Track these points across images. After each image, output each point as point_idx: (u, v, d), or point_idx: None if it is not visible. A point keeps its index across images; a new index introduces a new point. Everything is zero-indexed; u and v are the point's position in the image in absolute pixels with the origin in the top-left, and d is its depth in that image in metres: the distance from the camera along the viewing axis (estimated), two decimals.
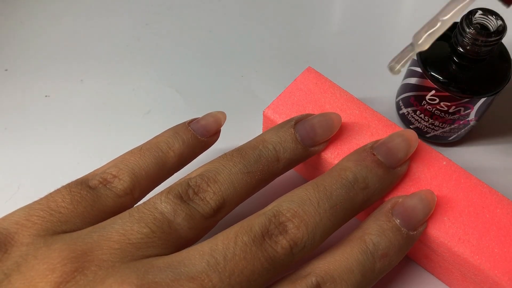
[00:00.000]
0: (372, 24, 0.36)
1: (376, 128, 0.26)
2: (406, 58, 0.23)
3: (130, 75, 0.34)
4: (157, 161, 0.23)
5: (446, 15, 0.21)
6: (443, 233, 0.23)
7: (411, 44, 0.22)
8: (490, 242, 0.22)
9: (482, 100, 0.26)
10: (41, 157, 0.30)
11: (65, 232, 0.19)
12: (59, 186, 0.21)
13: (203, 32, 0.36)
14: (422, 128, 0.29)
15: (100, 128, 0.31)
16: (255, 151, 0.23)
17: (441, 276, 0.26)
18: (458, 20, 0.25)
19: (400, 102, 0.30)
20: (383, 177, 0.23)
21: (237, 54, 0.35)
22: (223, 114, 0.26)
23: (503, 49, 0.27)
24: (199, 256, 0.19)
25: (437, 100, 0.27)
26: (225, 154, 0.23)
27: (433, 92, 0.27)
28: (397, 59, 0.23)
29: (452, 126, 0.28)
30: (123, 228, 0.19)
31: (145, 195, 0.23)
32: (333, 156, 0.25)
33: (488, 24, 0.24)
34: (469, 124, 0.28)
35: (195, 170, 0.23)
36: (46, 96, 0.32)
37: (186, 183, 0.21)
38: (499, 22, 0.24)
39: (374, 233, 0.21)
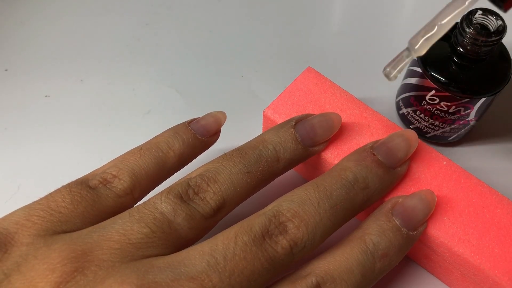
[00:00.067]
0: (372, 24, 0.36)
1: (376, 128, 0.26)
2: (403, 64, 0.22)
3: (130, 75, 0.34)
4: (157, 161, 0.23)
5: (443, 19, 0.21)
6: (443, 233, 0.23)
7: (407, 49, 0.22)
8: (490, 242, 0.22)
9: (482, 100, 0.26)
10: (41, 157, 0.30)
11: (65, 232, 0.19)
12: (59, 186, 0.21)
13: (203, 32, 0.36)
14: (422, 128, 0.29)
15: (100, 128, 0.31)
16: (255, 151, 0.23)
17: (441, 276, 0.26)
18: (458, 20, 0.25)
19: (400, 102, 0.30)
20: (383, 177, 0.23)
21: (237, 54, 0.35)
22: (223, 114, 0.26)
23: (503, 49, 0.27)
24: (199, 256, 0.19)
25: (437, 100, 0.27)
26: (225, 154, 0.23)
27: (433, 92, 0.27)
28: (393, 64, 0.22)
29: (452, 126, 0.28)
30: (123, 228, 0.19)
31: (145, 195, 0.23)
32: (333, 156, 0.25)
33: (488, 24, 0.24)
34: (469, 124, 0.28)
35: (195, 170, 0.23)
36: (46, 96, 0.32)
37: (186, 183, 0.21)
38: (499, 22, 0.24)
39: (374, 233, 0.21)
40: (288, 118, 0.26)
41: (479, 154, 0.31)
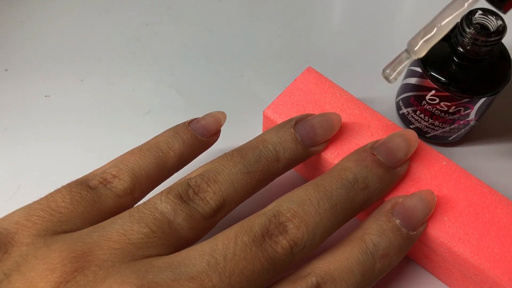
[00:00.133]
0: (372, 24, 0.36)
1: (376, 128, 0.26)
2: (402, 66, 0.22)
3: (130, 75, 0.34)
4: (157, 161, 0.23)
5: (442, 21, 0.21)
6: (443, 233, 0.23)
7: (406, 51, 0.22)
8: (490, 242, 0.22)
9: (482, 100, 0.26)
10: (41, 157, 0.30)
11: (65, 232, 0.19)
12: (59, 186, 0.21)
13: (203, 32, 0.36)
14: (422, 128, 0.29)
15: (100, 128, 0.31)
16: (255, 151, 0.23)
17: (441, 276, 0.26)
18: (457, 21, 0.25)
19: (400, 102, 0.30)
20: (383, 177, 0.23)
21: (237, 54, 0.35)
22: (223, 114, 0.26)
23: (503, 49, 0.27)
24: (199, 256, 0.19)
25: (437, 100, 0.27)
26: (225, 154, 0.23)
27: (433, 92, 0.27)
28: (392, 66, 0.22)
29: (452, 126, 0.28)
30: (123, 228, 0.19)
31: (145, 195, 0.23)
32: (333, 156, 0.25)
33: (488, 24, 0.24)
34: (469, 124, 0.28)
35: (195, 170, 0.23)
36: (46, 96, 0.32)
37: (186, 183, 0.21)
38: (499, 22, 0.24)
39: (374, 233, 0.21)
40: (288, 118, 0.26)
41: (479, 154, 0.31)
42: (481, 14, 0.24)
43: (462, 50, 0.25)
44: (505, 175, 0.29)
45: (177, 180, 0.22)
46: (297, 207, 0.21)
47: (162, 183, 0.24)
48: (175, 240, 0.20)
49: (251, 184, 0.22)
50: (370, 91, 0.33)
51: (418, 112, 0.29)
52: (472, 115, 0.27)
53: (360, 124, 0.26)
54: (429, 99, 0.27)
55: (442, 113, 0.27)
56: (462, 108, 0.27)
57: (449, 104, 0.27)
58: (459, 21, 0.25)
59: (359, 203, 0.22)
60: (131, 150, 0.23)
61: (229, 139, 0.28)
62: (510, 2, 0.19)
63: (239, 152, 0.23)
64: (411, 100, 0.29)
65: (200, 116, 0.25)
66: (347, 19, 0.37)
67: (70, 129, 0.31)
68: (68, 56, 0.34)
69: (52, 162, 0.30)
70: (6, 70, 0.33)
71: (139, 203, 0.22)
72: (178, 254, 0.19)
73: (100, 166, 0.23)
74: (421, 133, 0.30)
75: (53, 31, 0.35)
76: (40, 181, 0.29)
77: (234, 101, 0.33)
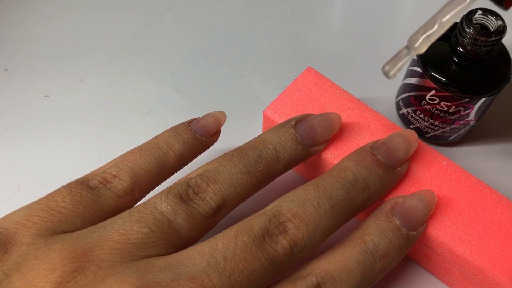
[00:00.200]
0: (372, 24, 0.36)
1: (376, 128, 0.26)
2: (402, 62, 0.22)
3: (130, 75, 0.34)
4: (157, 161, 0.23)
5: (444, 17, 0.20)
6: (443, 233, 0.23)
7: (407, 47, 0.22)
8: (490, 242, 0.22)
9: (482, 100, 0.26)
10: (41, 157, 0.30)
11: (65, 232, 0.19)
12: (59, 186, 0.21)
13: (203, 32, 0.36)
14: (422, 128, 0.29)
15: (100, 128, 0.31)
16: (255, 151, 0.23)
17: (441, 276, 0.26)
18: (458, 20, 0.25)
19: (400, 102, 0.30)
20: (383, 177, 0.23)
21: (237, 54, 0.35)
22: (223, 114, 0.26)
23: (503, 49, 0.27)
24: (199, 256, 0.19)
25: (437, 100, 0.27)
26: (225, 154, 0.23)
27: (433, 92, 0.27)
28: (392, 62, 0.22)
29: (452, 126, 0.28)
30: (123, 228, 0.19)
31: (145, 195, 0.23)
32: (333, 156, 0.25)
33: (488, 24, 0.24)
34: (469, 124, 0.28)
35: (195, 170, 0.23)
36: (46, 96, 0.32)
37: (186, 183, 0.21)
38: (499, 22, 0.24)
39: (374, 233, 0.21)
40: (288, 118, 0.26)
41: (479, 154, 0.31)
42: (481, 14, 0.24)
43: (462, 50, 0.25)
44: (505, 175, 0.30)
45: (177, 180, 0.22)
46: (297, 207, 0.21)
47: (162, 183, 0.24)
48: (175, 240, 0.20)
49: (251, 184, 0.22)
50: (370, 91, 0.33)
51: (418, 112, 0.29)
52: (472, 115, 0.27)
53: (360, 124, 0.26)
54: (429, 99, 0.27)
55: (442, 113, 0.27)
56: (462, 108, 0.27)
57: (449, 104, 0.27)
58: (459, 21, 0.25)
59: (359, 203, 0.22)
60: (131, 150, 0.23)
61: (229, 139, 0.28)
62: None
63: (239, 152, 0.23)
64: (411, 100, 0.29)
65: (200, 116, 0.25)
66: (347, 19, 0.37)
67: (70, 129, 0.31)
68: (68, 56, 0.34)
69: (52, 162, 0.30)
70: (6, 70, 0.33)
71: (139, 203, 0.22)
72: (178, 254, 0.19)
73: (100, 166, 0.23)
74: (421, 133, 0.30)
75: (53, 31, 0.35)
76: (40, 181, 0.29)
77: (234, 101, 0.33)
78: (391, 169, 0.23)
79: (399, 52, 0.22)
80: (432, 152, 0.25)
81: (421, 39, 0.21)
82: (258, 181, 0.23)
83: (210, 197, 0.21)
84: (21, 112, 0.32)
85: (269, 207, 0.21)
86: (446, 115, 0.27)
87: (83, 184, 0.21)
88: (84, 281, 0.18)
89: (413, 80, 0.28)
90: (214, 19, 0.36)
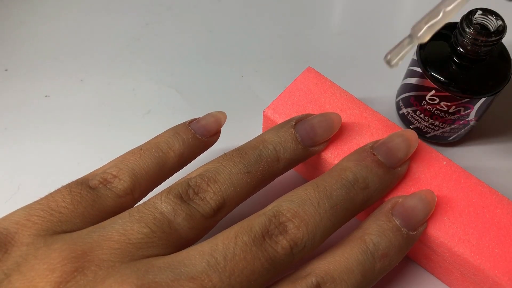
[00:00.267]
0: (372, 25, 0.36)
1: (376, 128, 0.26)
2: (404, 51, 0.21)
3: (130, 75, 0.34)
4: (157, 161, 0.23)
5: (449, 6, 0.20)
6: (443, 233, 0.23)
7: (410, 36, 0.21)
8: (490, 242, 0.22)
9: (482, 100, 0.26)
10: (41, 157, 0.30)
11: (65, 232, 0.19)
12: (59, 186, 0.21)
13: (203, 32, 0.36)
14: (422, 128, 0.29)
15: (100, 128, 0.31)
16: (255, 151, 0.23)
17: (441, 276, 0.26)
18: (458, 18, 0.25)
19: (400, 102, 0.30)
20: (383, 177, 0.23)
21: (237, 54, 0.35)
22: (223, 114, 0.26)
23: (503, 49, 0.27)
24: (199, 256, 0.19)
25: (437, 100, 0.27)
26: (225, 154, 0.23)
27: (433, 92, 0.27)
28: (395, 51, 0.22)
29: (452, 126, 0.28)
30: (123, 228, 0.19)
31: (145, 195, 0.23)
32: (333, 156, 0.25)
33: (488, 24, 0.24)
34: (469, 124, 0.28)
35: (195, 170, 0.23)
36: (46, 96, 0.32)
37: (186, 183, 0.21)
38: (499, 22, 0.24)
39: (374, 233, 0.21)
40: (288, 118, 0.26)
41: (479, 154, 0.31)
42: (481, 14, 0.24)
43: (462, 50, 0.25)
44: (505, 175, 0.30)
45: (177, 180, 0.22)
46: (297, 207, 0.21)
47: (162, 183, 0.24)
48: (175, 240, 0.20)
49: (251, 184, 0.22)
50: (370, 91, 0.33)
51: (418, 112, 0.29)
52: (472, 115, 0.27)
53: (360, 124, 0.26)
54: (429, 99, 0.27)
55: (442, 113, 0.27)
56: (462, 108, 0.27)
57: (449, 104, 0.27)
58: (459, 21, 0.25)
59: (359, 203, 0.22)
60: (131, 150, 0.23)
61: (229, 139, 0.28)
62: None
63: (239, 152, 0.23)
64: (411, 100, 0.29)
65: (200, 116, 0.25)
66: (347, 19, 0.37)
67: (70, 129, 0.31)
68: (68, 56, 0.34)
69: (52, 162, 0.30)
70: (6, 70, 0.33)
71: (139, 203, 0.22)
72: (178, 254, 0.19)
73: (100, 166, 0.23)
74: (421, 133, 0.30)
75: (53, 31, 0.35)
76: (40, 181, 0.29)
77: (234, 101, 0.33)
78: (391, 169, 0.23)
79: (401, 41, 0.22)
80: (432, 152, 0.25)
81: (424, 28, 0.21)
82: (258, 181, 0.23)
83: (210, 197, 0.21)
84: (21, 112, 0.32)
85: (269, 207, 0.21)
86: (446, 115, 0.27)
87: (83, 184, 0.21)
88: (84, 281, 0.18)
89: (413, 80, 0.28)
90: (214, 19, 0.36)
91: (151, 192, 0.23)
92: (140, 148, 0.23)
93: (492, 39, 0.24)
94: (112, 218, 0.20)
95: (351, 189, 0.22)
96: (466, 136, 0.31)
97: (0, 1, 0.37)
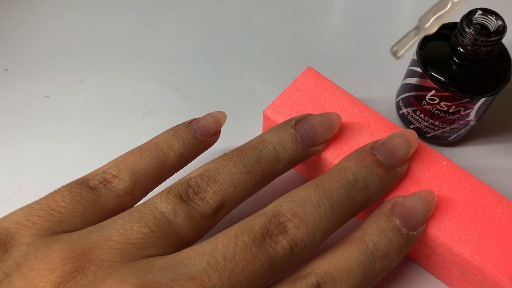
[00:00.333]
0: (372, 25, 0.36)
1: (376, 128, 0.26)
2: (411, 43, 0.21)
3: (130, 75, 0.34)
4: (157, 161, 0.23)
5: None
6: (443, 233, 0.23)
7: (416, 28, 0.21)
8: (490, 242, 0.22)
9: (482, 100, 0.26)
10: (41, 157, 0.30)
11: (65, 232, 0.19)
12: (59, 186, 0.21)
13: (203, 32, 0.36)
14: (422, 128, 0.29)
15: (100, 128, 0.31)
16: (255, 151, 0.23)
17: (441, 276, 0.26)
18: (458, 19, 0.25)
19: (400, 102, 0.30)
20: (383, 177, 0.23)
21: (237, 54, 0.35)
22: (223, 114, 0.26)
23: (503, 49, 0.27)
24: (199, 256, 0.19)
25: (437, 100, 0.27)
26: (225, 154, 0.23)
27: (433, 92, 0.27)
28: (401, 43, 0.22)
29: (452, 126, 0.28)
30: (123, 228, 0.19)
31: (145, 195, 0.23)
32: (333, 156, 0.25)
33: (488, 24, 0.24)
34: (469, 124, 0.28)
35: (195, 170, 0.23)
36: (46, 96, 0.32)
37: (186, 183, 0.21)
38: (499, 22, 0.24)
39: (374, 233, 0.21)
40: (288, 118, 0.26)
41: (479, 154, 0.31)
42: (481, 14, 0.24)
43: (462, 50, 0.25)
44: (505, 175, 0.30)
45: (177, 180, 0.22)
46: (297, 207, 0.21)
47: (162, 183, 0.24)
48: (175, 240, 0.20)
49: (251, 184, 0.22)
50: (370, 91, 0.33)
51: (418, 112, 0.29)
52: (472, 115, 0.27)
53: (360, 124, 0.26)
54: (429, 99, 0.27)
55: (442, 113, 0.27)
56: (462, 108, 0.27)
57: (449, 104, 0.27)
58: (459, 21, 0.25)
59: (359, 203, 0.22)
60: (131, 150, 0.23)
61: (229, 139, 0.28)
62: None
63: (239, 152, 0.23)
64: (411, 100, 0.29)
65: (200, 116, 0.25)
66: (347, 19, 0.37)
67: (70, 129, 0.31)
68: (68, 56, 0.34)
69: (52, 162, 0.30)
70: (6, 70, 0.33)
71: (139, 203, 0.22)
72: (178, 254, 0.19)
73: (100, 166, 0.23)
74: (421, 133, 0.30)
75: (53, 31, 0.35)
76: (40, 181, 0.29)
77: (234, 101, 0.33)
78: (391, 169, 0.23)
79: (408, 33, 0.21)
80: (432, 152, 0.25)
81: (432, 19, 0.20)
82: (258, 181, 0.23)
83: (210, 197, 0.21)
84: (21, 112, 0.32)
85: (269, 207, 0.21)
86: (446, 115, 0.27)
87: (83, 184, 0.21)
88: (84, 281, 0.18)
89: (413, 80, 0.28)
90: (214, 19, 0.36)
91: (151, 192, 0.23)
92: (140, 148, 0.23)
93: (492, 39, 0.24)
94: (112, 218, 0.20)
95: (351, 189, 0.22)
96: (466, 136, 0.31)
97: (0, 1, 0.37)
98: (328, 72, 0.29)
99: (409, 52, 0.22)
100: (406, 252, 0.22)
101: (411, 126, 0.30)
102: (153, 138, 0.24)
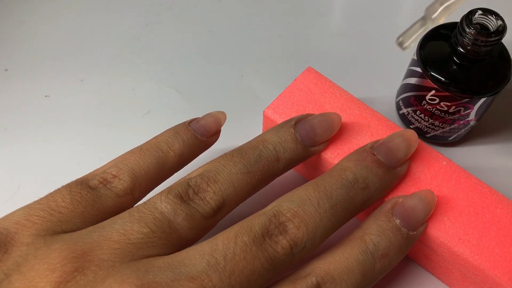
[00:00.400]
0: (372, 25, 0.36)
1: (376, 128, 0.26)
2: (417, 33, 0.21)
3: (130, 75, 0.34)
4: (157, 161, 0.23)
5: None
6: (443, 233, 0.23)
7: (423, 18, 0.21)
8: (490, 242, 0.22)
9: (482, 100, 0.26)
10: (41, 157, 0.30)
11: (65, 232, 0.19)
12: (59, 186, 0.21)
13: (203, 32, 0.36)
14: (422, 128, 0.29)
15: (100, 128, 0.31)
16: (255, 151, 0.23)
17: (441, 276, 0.26)
18: (458, 19, 0.25)
19: (400, 102, 0.30)
20: (383, 177, 0.23)
21: (237, 54, 0.35)
22: (223, 114, 0.26)
23: (503, 49, 0.27)
24: (199, 256, 0.19)
25: (437, 100, 0.27)
26: (225, 154, 0.23)
27: (433, 92, 0.27)
28: (407, 34, 0.21)
29: (452, 126, 0.28)
30: (123, 228, 0.19)
31: (145, 195, 0.23)
32: (333, 156, 0.25)
33: (488, 24, 0.24)
34: (469, 124, 0.28)
35: (195, 170, 0.23)
36: (46, 96, 0.32)
37: (186, 183, 0.21)
38: (499, 22, 0.24)
39: (374, 233, 0.21)
40: (288, 118, 0.26)
41: (479, 154, 0.31)
42: (481, 14, 0.24)
43: (462, 50, 0.25)
44: (505, 175, 0.30)
45: (177, 180, 0.22)
46: (297, 207, 0.21)
47: (162, 183, 0.24)
48: (175, 240, 0.20)
49: (251, 184, 0.22)
50: (370, 91, 0.33)
51: (418, 112, 0.29)
52: (472, 115, 0.27)
53: (360, 124, 0.26)
54: (429, 99, 0.27)
55: (442, 113, 0.27)
56: (462, 108, 0.27)
57: (449, 104, 0.27)
58: (459, 21, 0.25)
59: (359, 203, 0.22)
60: (131, 150, 0.23)
61: (229, 139, 0.28)
62: None
63: (239, 152, 0.23)
64: (411, 100, 0.29)
65: (200, 116, 0.25)
66: (347, 19, 0.37)
67: (70, 129, 0.31)
68: (68, 56, 0.34)
69: (52, 162, 0.30)
70: (6, 70, 0.33)
71: (139, 203, 0.22)
72: (178, 254, 0.19)
73: (100, 166, 0.23)
74: (421, 133, 0.30)
75: (53, 31, 0.35)
76: (40, 181, 0.29)
77: (234, 101, 0.33)
78: (391, 169, 0.23)
79: (414, 23, 0.21)
80: (432, 152, 0.25)
81: (440, 9, 0.20)
82: (258, 181, 0.23)
83: (210, 197, 0.21)
84: (21, 112, 0.32)
85: (269, 207, 0.21)
86: (446, 115, 0.27)
87: (83, 184, 0.21)
88: (84, 281, 0.18)
89: (413, 80, 0.28)
90: (214, 19, 0.36)
91: (151, 192, 0.23)
92: (140, 148, 0.23)
93: (492, 39, 0.24)
94: (112, 218, 0.20)
95: (351, 189, 0.22)
96: (466, 136, 0.31)
97: (0, 1, 0.37)
98: (328, 72, 0.29)
99: (415, 42, 0.21)
100: (406, 252, 0.22)
101: (411, 126, 0.30)
102: (153, 138, 0.24)
